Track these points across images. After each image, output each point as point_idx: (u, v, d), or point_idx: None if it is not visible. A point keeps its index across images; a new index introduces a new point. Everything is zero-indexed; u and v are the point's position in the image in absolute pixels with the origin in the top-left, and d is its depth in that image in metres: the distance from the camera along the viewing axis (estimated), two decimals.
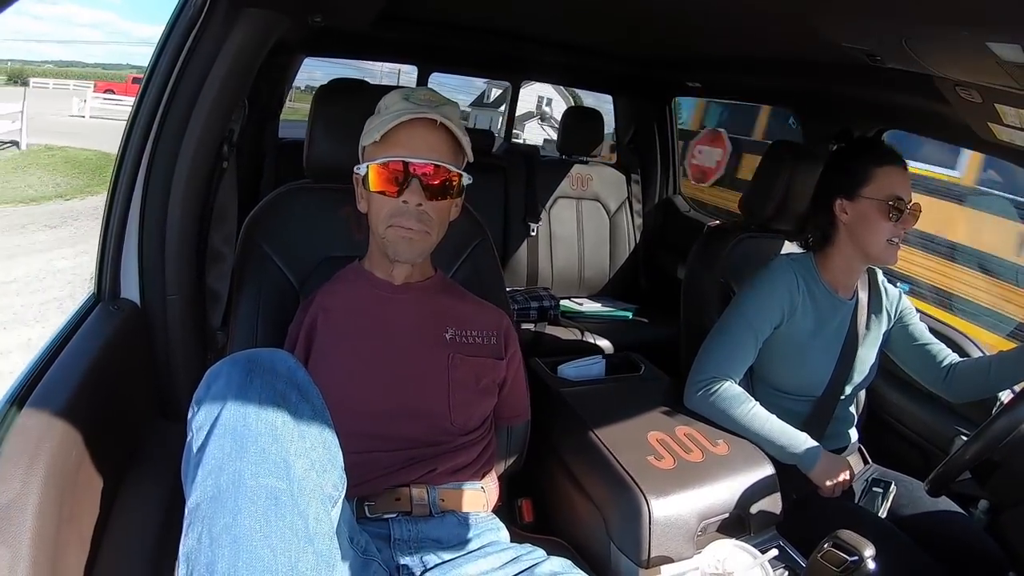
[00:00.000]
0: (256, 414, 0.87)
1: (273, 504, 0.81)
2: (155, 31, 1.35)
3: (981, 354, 1.95)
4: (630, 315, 3.24)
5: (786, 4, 1.58)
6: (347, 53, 3.44)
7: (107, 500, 1.09)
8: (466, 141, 1.34)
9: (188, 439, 0.90)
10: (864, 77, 1.92)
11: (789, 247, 2.07)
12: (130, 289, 1.38)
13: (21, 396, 1.00)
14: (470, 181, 1.37)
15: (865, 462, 1.95)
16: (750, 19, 1.94)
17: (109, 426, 1.14)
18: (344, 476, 0.97)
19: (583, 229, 3.46)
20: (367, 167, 1.30)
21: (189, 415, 0.92)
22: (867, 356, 1.80)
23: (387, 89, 1.50)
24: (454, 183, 1.34)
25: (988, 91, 1.43)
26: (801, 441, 1.60)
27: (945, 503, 1.70)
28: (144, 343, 1.39)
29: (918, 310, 1.89)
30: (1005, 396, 1.76)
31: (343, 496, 0.97)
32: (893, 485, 1.71)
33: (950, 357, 1.78)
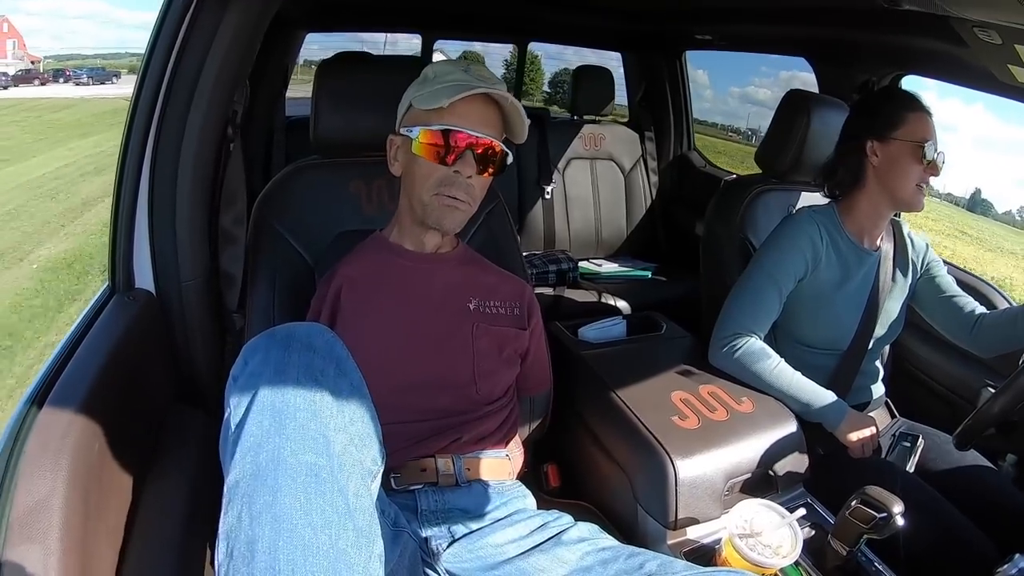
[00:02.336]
0: (294, 390, 0.87)
1: (313, 480, 0.81)
2: (151, 17, 1.33)
3: (1008, 305, 1.93)
4: (649, 274, 3.23)
5: None
6: (350, 26, 3.40)
7: (132, 490, 1.10)
8: (524, 123, 1.35)
9: (225, 416, 0.90)
10: (879, 21, 1.87)
11: (807, 198, 2.03)
12: (144, 278, 1.38)
13: (41, 393, 1.01)
14: (512, 160, 1.38)
15: (892, 416, 1.93)
16: None
17: (130, 416, 1.15)
18: (383, 450, 0.97)
19: (598, 189, 3.43)
20: (419, 131, 1.29)
21: (226, 391, 0.92)
22: (893, 308, 1.77)
23: (392, 59, 1.48)
24: (501, 159, 1.35)
25: (1008, 31, 1.38)
26: (827, 398, 1.59)
27: (973, 456, 1.69)
28: (161, 331, 1.40)
29: (945, 261, 1.86)
30: None
31: (382, 470, 0.97)
32: (921, 439, 1.69)
33: (977, 310, 1.76)
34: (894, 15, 1.67)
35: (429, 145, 1.29)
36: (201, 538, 1.13)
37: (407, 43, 3.78)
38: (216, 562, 0.81)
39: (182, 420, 1.34)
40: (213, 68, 1.27)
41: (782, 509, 1.22)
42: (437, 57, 3.63)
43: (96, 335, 1.19)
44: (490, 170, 1.34)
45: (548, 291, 2.87)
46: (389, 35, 4.00)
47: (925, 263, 1.83)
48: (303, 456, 0.82)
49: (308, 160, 1.61)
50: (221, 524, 0.81)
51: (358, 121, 1.51)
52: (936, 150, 1.60)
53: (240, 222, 1.54)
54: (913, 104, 1.64)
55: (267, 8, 1.32)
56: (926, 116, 1.63)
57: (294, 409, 0.85)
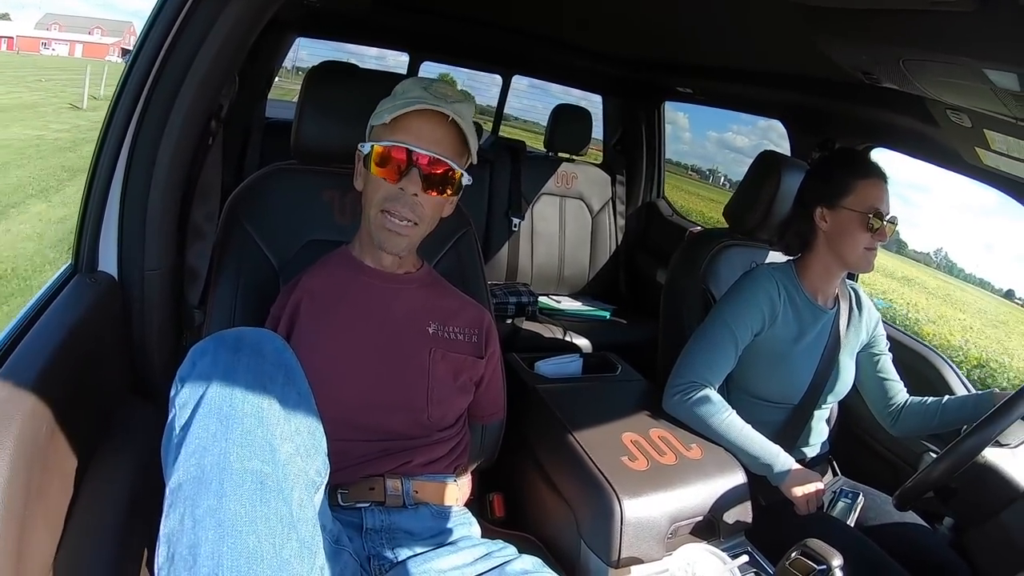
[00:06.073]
0: (242, 395, 0.86)
1: (259, 488, 0.80)
2: (145, 4, 1.32)
3: (958, 377, 2.04)
4: (608, 315, 3.25)
5: (789, 22, 1.59)
6: (340, 36, 3.41)
7: (76, 476, 1.06)
8: (473, 142, 1.33)
9: (170, 417, 0.89)
10: (856, 94, 1.95)
11: (772, 256, 2.09)
12: (108, 262, 1.35)
13: None
14: (470, 182, 1.36)
15: (835, 474, 1.98)
16: (752, 33, 1.94)
17: (81, 401, 1.11)
18: (327, 462, 0.97)
19: (565, 227, 3.46)
20: (371, 147, 1.29)
21: (172, 392, 0.91)
22: (846, 365, 1.83)
23: (376, 74, 1.49)
24: (453, 179, 1.33)
25: (979, 116, 1.45)
26: (774, 453, 1.61)
27: (911, 517, 1.74)
28: (120, 318, 1.36)
29: (903, 331, 1.93)
30: None
31: (325, 482, 0.97)
32: (861, 496, 1.73)
33: (902, 398, 1.87)
34: (872, 90, 1.75)
35: (377, 160, 1.28)
36: (140, 533, 1.10)
37: (395, 59, 3.83)
38: (156, 566, 0.79)
39: (131, 412, 1.30)
40: (207, 58, 1.25)
41: (724, 555, 1.24)
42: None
43: (54, 314, 1.15)
44: (443, 191, 1.32)
45: (506, 322, 2.88)
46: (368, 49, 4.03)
47: (872, 335, 1.89)
48: (249, 463, 0.81)
49: (285, 164, 1.60)
50: (162, 527, 0.80)
51: (339, 131, 1.51)
52: (886, 216, 1.66)
53: (212, 218, 1.52)
54: (866, 171, 1.70)
55: (268, 5, 1.31)
56: (878, 183, 1.69)
57: (241, 415, 0.85)
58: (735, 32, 2.06)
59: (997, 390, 1.70)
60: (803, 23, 1.49)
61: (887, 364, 1.90)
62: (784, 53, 2.07)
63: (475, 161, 1.38)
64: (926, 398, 1.84)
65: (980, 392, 1.78)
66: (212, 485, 0.79)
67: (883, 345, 1.91)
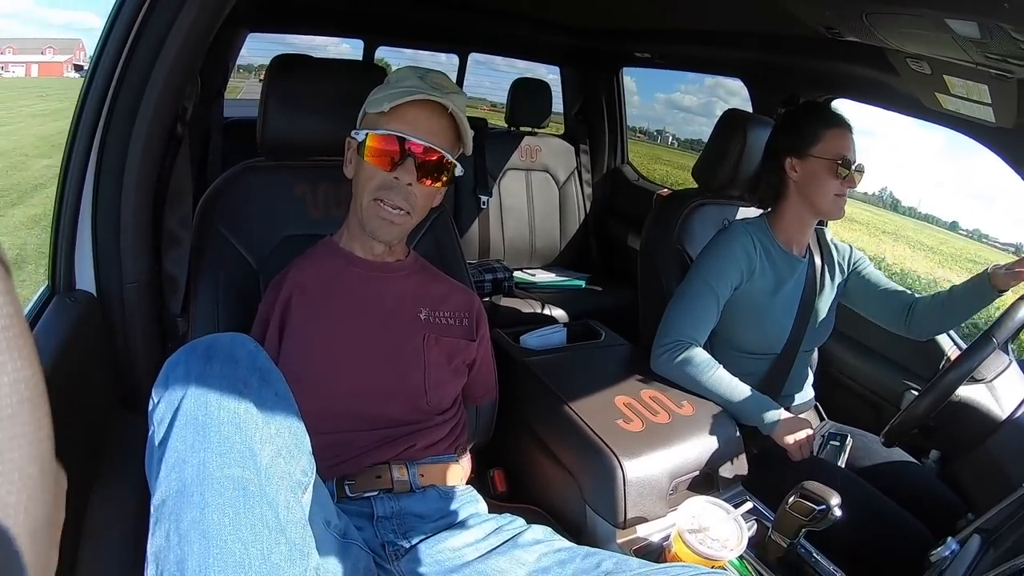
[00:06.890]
0: (217, 402, 0.85)
1: (241, 495, 0.79)
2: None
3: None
4: (583, 284, 3.28)
5: None
6: (291, 28, 3.35)
7: (78, 501, 1.05)
8: (468, 134, 1.36)
9: (149, 433, 0.87)
10: (816, 48, 1.97)
11: (743, 212, 2.12)
12: (86, 280, 1.32)
13: None
14: (462, 173, 1.39)
15: (821, 418, 2.04)
16: None
17: (74, 424, 1.09)
18: (313, 460, 0.96)
19: (533, 200, 3.48)
20: (366, 134, 1.30)
21: (149, 408, 0.89)
22: (823, 312, 1.87)
23: (340, 63, 1.47)
24: (447, 170, 1.34)
25: (938, 63, 1.48)
26: (764, 403, 1.66)
27: (899, 453, 1.80)
28: (103, 335, 1.34)
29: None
30: (951, 352, 1.84)
31: (313, 481, 0.96)
32: (849, 438, 1.79)
33: (907, 297, 1.86)
34: (831, 43, 1.77)
35: (373, 149, 1.30)
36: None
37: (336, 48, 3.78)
38: None
39: (125, 428, 1.28)
40: (167, 61, 1.21)
41: (727, 505, 1.27)
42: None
43: (37, 338, 1.13)
44: (438, 180, 1.34)
45: (484, 300, 2.88)
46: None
47: (852, 263, 1.93)
48: (229, 470, 0.80)
49: (254, 161, 1.58)
50: (149, 545, 0.79)
51: (306, 123, 1.50)
52: (853, 163, 1.70)
53: (186, 223, 1.49)
54: (831, 121, 1.74)
55: (225, 2, 1.29)
56: (844, 131, 1.72)
57: (218, 423, 0.83)
58: None
59: (989, 268, 1.67)
60: None
61: (879, 276, 1.92)
62: (743, 11, 2.08)
63: (468, 152, 1.40)
64: (930, 295, 1.83)
65: (974, 276, 1.74)
66: (194, 497, 0.78)
67: (867, 264, 1.94)
